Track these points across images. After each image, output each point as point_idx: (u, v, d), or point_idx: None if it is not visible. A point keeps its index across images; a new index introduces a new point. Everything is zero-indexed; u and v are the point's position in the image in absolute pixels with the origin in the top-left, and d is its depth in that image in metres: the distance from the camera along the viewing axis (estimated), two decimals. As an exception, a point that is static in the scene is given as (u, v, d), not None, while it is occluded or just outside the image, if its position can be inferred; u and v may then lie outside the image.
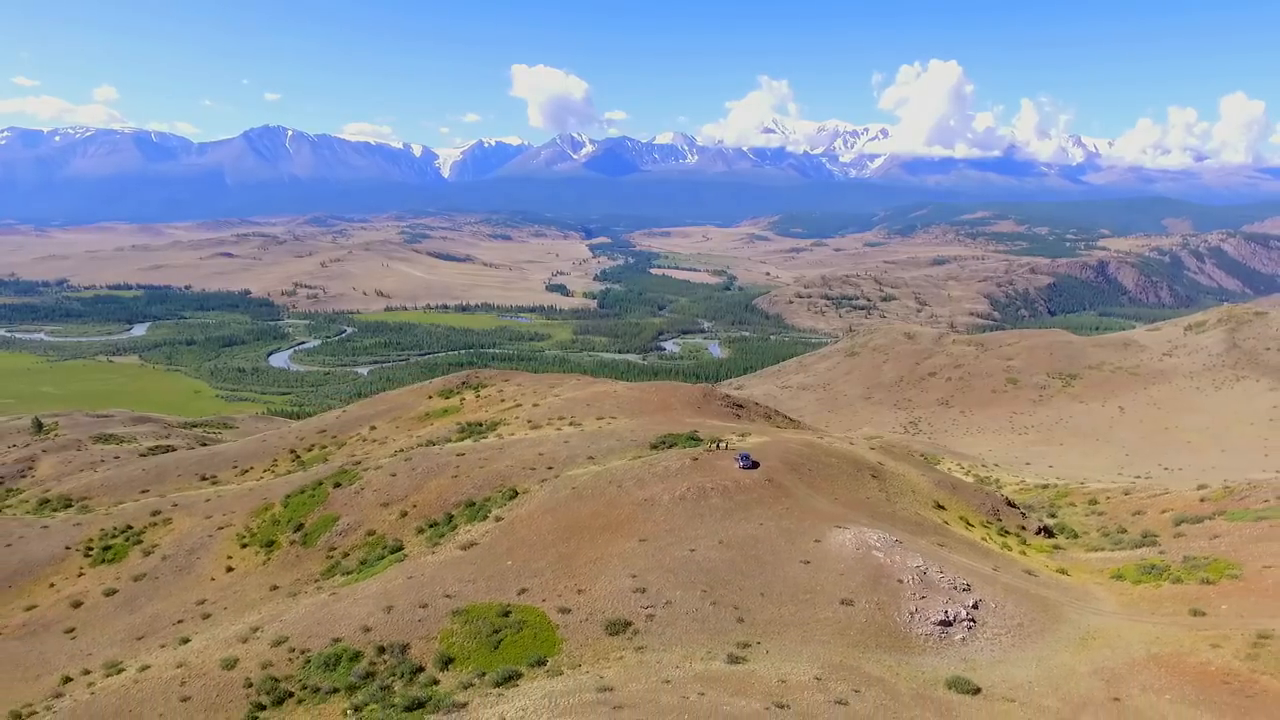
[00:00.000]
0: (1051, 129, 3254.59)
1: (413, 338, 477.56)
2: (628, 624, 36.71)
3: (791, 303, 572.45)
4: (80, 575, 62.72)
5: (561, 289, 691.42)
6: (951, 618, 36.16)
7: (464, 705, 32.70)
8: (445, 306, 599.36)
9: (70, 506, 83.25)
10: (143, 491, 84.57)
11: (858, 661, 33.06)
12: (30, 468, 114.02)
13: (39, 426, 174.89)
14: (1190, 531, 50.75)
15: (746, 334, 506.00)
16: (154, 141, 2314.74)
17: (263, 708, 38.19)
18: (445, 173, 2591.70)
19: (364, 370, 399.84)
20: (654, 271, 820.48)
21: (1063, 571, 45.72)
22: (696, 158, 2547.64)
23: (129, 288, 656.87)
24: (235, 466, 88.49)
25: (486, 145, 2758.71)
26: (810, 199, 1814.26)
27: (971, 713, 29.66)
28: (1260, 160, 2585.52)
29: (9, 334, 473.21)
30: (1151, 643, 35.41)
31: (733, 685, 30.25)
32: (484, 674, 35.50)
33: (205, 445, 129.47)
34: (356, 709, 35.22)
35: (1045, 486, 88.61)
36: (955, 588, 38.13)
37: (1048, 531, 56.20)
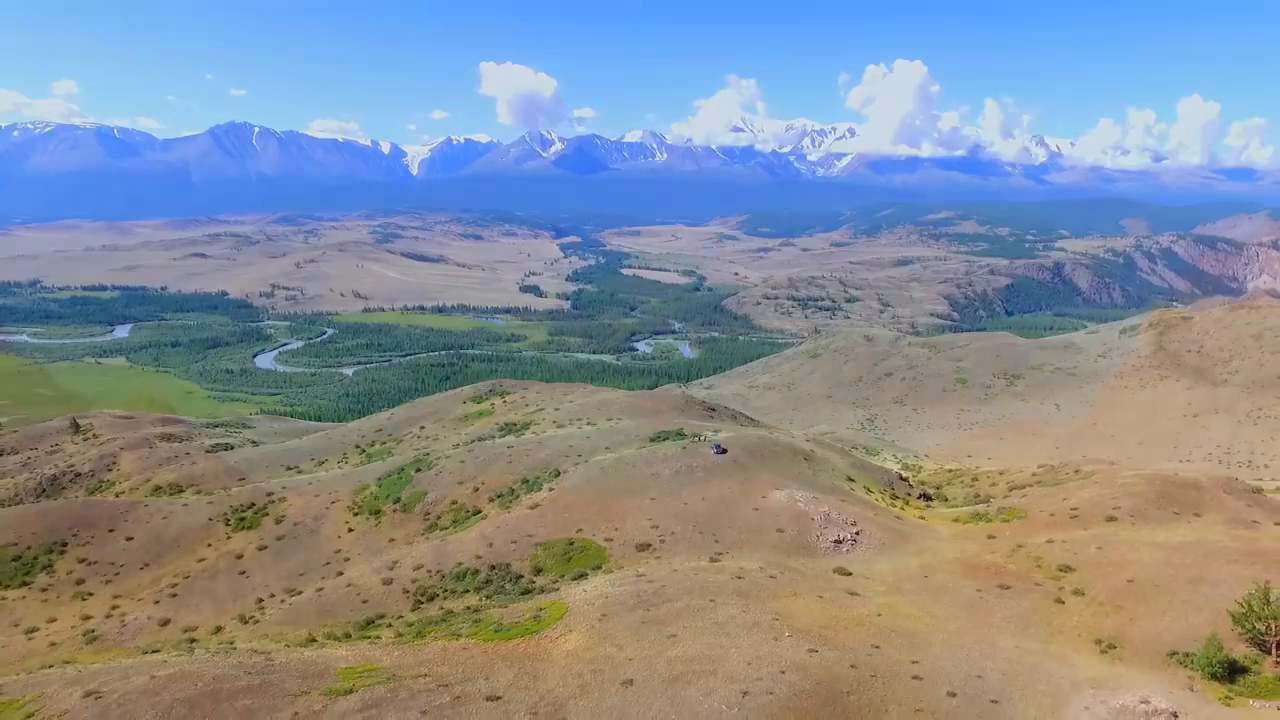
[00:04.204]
0: (1015, 129, 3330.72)
1: (393, 339, 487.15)
2: (649, 545, 60.70)
3: (759, 304, 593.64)
4: (228, 539, 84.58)
5: (535, 290, 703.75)
6: (842, 539, 60.65)
7: (556, 589, 56.33)
8: (422, 308, 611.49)
9: (183, 492, 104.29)
10: (240, 479, 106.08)
11: (784, 560, 57.41)
12: (114, 463, 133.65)
13: (76, 427, 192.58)
14: (1014, 495, 76.16)
15: (716, 335, 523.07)
16: (117, 137, 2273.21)
17: (421, 602, 61.28)
18: (414, 170, 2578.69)
19: (349, 371, 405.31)
20: (625, 272, 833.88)
21: (922, 518, 70.67)
22: (665, 156, 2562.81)
23: (104, 289, 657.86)
24: (313, 459, 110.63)
25: (455, 142, 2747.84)
26: (778, 198, 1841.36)
27: (844, 583, 54.04)
28: (1215, 161, 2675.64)
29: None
30: (958, 553, 60.32)
31: (712, 571, 54.39)
32: (563, 575, 59.22)
33: (256, 445, 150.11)
34: (489, 597, 58.63)
35: (950, 471, 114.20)
36: (846, 523, 62.67)
37: (926, 497, 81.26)
